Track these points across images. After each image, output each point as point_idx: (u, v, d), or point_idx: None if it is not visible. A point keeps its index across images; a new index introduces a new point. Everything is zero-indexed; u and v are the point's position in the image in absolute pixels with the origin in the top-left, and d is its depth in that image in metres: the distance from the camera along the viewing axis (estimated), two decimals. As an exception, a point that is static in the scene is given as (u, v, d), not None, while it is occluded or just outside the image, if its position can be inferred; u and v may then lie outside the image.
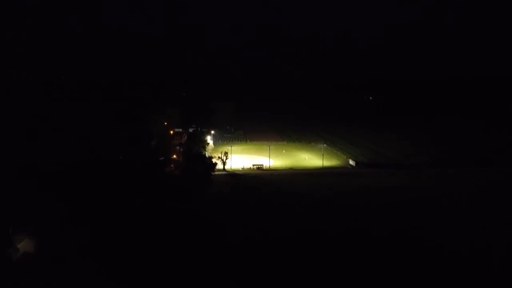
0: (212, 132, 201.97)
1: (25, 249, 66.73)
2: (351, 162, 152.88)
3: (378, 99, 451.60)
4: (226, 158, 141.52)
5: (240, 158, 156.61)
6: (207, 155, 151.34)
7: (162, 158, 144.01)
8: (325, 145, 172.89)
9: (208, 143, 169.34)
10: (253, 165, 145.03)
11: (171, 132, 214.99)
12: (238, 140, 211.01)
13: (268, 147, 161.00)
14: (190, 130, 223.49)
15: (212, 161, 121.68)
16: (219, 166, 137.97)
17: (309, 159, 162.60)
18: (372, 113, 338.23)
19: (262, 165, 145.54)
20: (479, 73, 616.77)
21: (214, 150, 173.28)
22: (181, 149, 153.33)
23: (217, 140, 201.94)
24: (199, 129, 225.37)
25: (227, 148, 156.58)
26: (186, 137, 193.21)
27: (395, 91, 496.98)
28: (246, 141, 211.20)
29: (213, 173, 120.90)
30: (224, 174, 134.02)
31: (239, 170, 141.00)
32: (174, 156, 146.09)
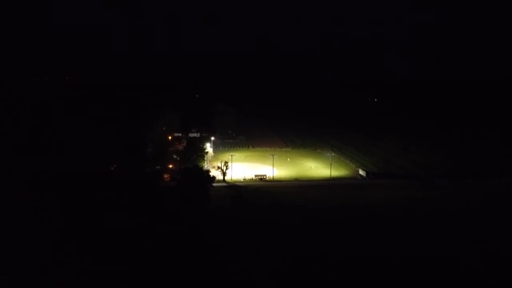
0: (212, 138, 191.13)
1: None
2: (361, 172, 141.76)
3: (381, 100, 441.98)
4: (226, 168, 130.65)
5: (241, 167, 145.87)
6: (206, 164, 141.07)
7: (158, 167, 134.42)
8: (333, 153, 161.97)
9: (207, 152, 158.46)
10: (255, 176, 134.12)
11: (170, 137, 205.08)
12: (239, 147, 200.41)
13: (271, 154, 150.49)
14: (190, 135, 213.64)
15: (209, 175, 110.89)
16: (219, 177, 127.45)
17: (316, 168, 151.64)
18: (376, 116, 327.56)
19: (265, 175, 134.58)
20: (489, 74, 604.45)
21: (214, 157, 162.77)
22: (178, 158, 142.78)
23: (217, 147, 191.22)
24: (199, 134, 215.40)
25: (227, 156, 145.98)
26: (185, 142, 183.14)
27: (397, 93, 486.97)
28: (248, 147, 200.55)
29: (212, 185, 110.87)
30: (224, 186, 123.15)
31: (240, 181, 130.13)
32: (170, 165, 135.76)
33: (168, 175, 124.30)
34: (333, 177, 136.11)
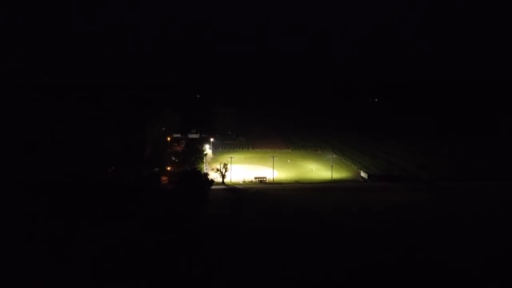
0: (212, 139, 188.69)
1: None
2: (363, 174, 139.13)
3: (382, 101, 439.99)
4: (226, 171, 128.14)
5: (241, 169, 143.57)
6: (204, 167, 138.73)
7: (156, 169, 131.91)
8: (334, 155, 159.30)
9: (206, 154, 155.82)
10: (255, 178, 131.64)
11: (169, 138, 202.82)
12: (239, 148, 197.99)
13: (271, 156, 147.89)
14: (190, 136, 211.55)
15: (208, 179, 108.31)
16: (218, 179, 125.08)
17: (317, 170, 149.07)
18: (377, 116, 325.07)
19: (265, 178, 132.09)
20: (490, 74, 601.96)
21: (213, 159, 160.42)
22: (177, 160, 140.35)
23: (217, 148, 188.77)
24: (198, 135, 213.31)
25: (227, 157, 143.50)
26: (184, 143, 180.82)
27: (398, 93, 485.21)
28: (248, 148, 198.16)
29: (211, 188, 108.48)
30: (223, 189, 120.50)
31: (239, 184, 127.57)
32: (169, 168, 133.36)
33: (166, 178, 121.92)
34: (334, 179, 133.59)
